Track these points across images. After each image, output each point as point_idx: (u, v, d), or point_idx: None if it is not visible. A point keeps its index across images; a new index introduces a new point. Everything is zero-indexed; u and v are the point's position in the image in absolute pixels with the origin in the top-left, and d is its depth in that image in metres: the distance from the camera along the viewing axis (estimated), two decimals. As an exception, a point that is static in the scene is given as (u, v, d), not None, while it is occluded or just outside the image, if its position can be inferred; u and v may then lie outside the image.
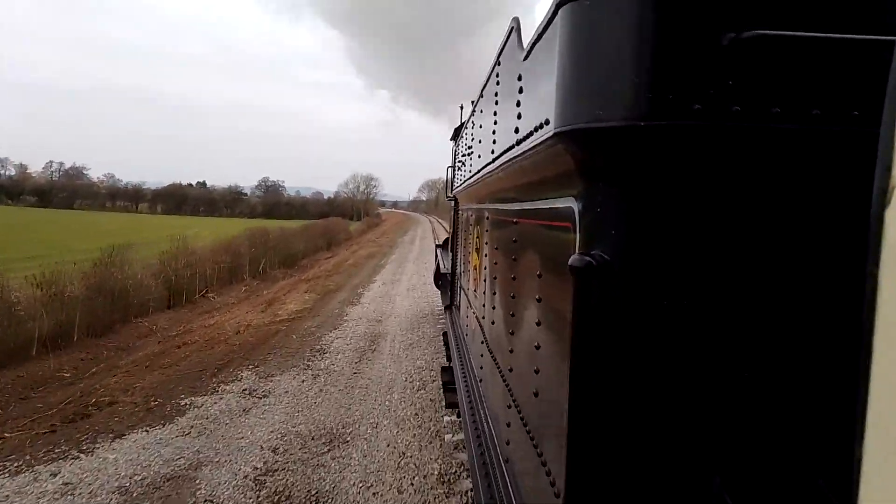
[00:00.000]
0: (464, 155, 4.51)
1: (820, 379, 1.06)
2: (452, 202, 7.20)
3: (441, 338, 8.02)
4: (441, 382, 5.80)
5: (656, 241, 1.10)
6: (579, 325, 1.15)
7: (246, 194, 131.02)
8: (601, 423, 1.15)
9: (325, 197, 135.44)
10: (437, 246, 11.44)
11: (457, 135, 6.64)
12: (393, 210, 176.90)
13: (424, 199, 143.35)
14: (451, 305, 6.83)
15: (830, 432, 1.05)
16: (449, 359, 5.90)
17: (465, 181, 4.23)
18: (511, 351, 2.20)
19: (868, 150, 0.47)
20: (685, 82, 0.98)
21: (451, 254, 7.72)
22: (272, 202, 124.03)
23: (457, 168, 5.72)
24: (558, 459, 1.32)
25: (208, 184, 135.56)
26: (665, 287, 1.09)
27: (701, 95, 0.98)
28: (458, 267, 6.12)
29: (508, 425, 2.22)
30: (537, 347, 1.69)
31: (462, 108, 6.34)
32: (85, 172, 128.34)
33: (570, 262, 1.14)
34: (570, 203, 1.35)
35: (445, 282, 7.96)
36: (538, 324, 1.70)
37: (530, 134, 1.52)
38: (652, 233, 1.10)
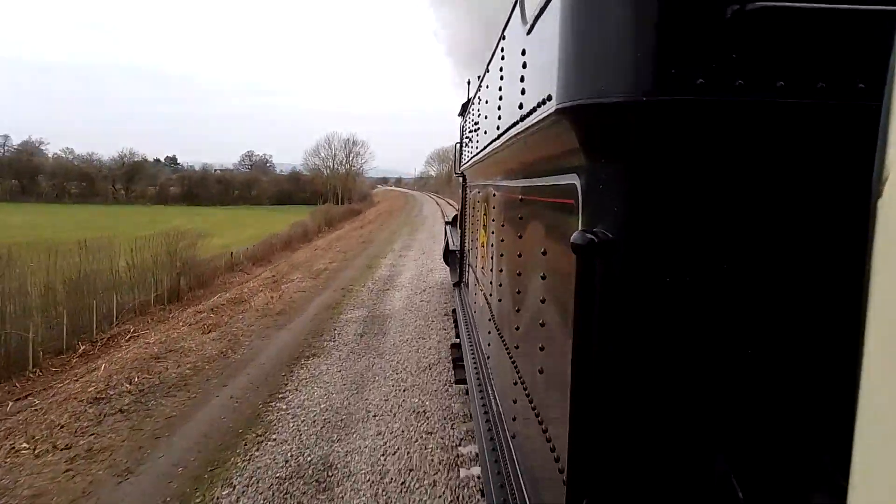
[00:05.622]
0: (471, 131, 4.46)
1: (824, 355, 1.05)
2: (461, 179, 7.17)
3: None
4: (451, 358, 5.89)
5: (659, 218, 1.08)
6: (582, 303, 1.15)
7: (149, 161, 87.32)
8: (604, 401, 1.15)
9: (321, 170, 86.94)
10: (447, 223, 11.48)
11: (464, 110, 6.55)
12: (393, 189, 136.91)
13: (434, 173, 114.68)
14: (459, 282, 6.87)
15: (835, 408, 1.05)
16: (458, 335, 5.97)
17: (472, 157, 4.19)
18: (517, 328, 2.22)
19: (873, 124, 0.46)
20: (688, 56, 0.95)
21: (459, 231, 7.73)
22: (195, 180, 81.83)
23: (464, 144, 5.67)
24: (562, 436, 1.33)
25: (180, 160, 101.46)
26: (667, 264, 1.08)
27: (704, 69, 0.95)
28: (466, 244, 6.13)
29: (515, 402, 2.26)
30: (542, 325, 1.70)
31: (469, 82, 6.24)
32: (43, 148, 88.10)
33: (572, 240, 1.13)
34: (573, 180, 1.33)
35: (454, 259, 8.01)
36: (543, 301, 1.71)
37: (534, 110, 1.50)
38: (654, 210, 1.09)
